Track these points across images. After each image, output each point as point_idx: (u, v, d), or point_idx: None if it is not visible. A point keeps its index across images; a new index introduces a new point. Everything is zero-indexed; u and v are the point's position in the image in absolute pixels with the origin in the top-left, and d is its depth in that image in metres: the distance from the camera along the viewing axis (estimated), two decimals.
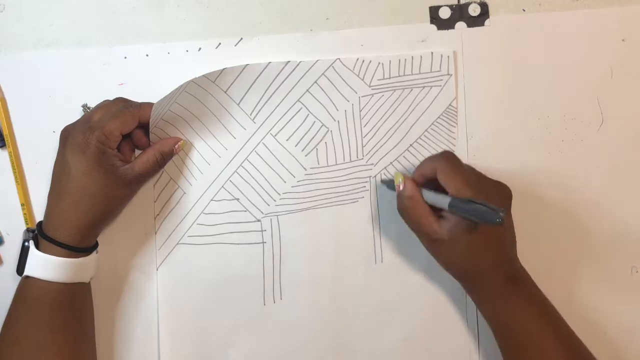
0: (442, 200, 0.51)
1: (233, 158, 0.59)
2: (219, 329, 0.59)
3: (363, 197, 0.59)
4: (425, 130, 0.59)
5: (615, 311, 0.60)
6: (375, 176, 0.59)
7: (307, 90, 0.58)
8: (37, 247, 0.53)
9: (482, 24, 0.60)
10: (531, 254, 0.59)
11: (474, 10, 0.60)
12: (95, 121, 0.54)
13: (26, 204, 0.60)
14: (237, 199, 0.59)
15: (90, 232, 0.54)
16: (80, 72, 0.60)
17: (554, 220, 0.60)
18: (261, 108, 0.58)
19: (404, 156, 0.59)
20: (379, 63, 0.59)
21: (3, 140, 0.60)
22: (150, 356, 0.59)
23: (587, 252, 0.60)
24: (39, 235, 0.53)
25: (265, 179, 0.59)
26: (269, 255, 0.59)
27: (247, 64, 0.57)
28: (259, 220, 0.59)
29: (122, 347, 0.59)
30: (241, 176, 0.59)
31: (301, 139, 0.59)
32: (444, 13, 0.60)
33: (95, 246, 0.56)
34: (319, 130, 0.59)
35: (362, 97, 0.59)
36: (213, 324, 0.59)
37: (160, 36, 0.60)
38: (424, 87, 0.59)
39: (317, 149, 0.59)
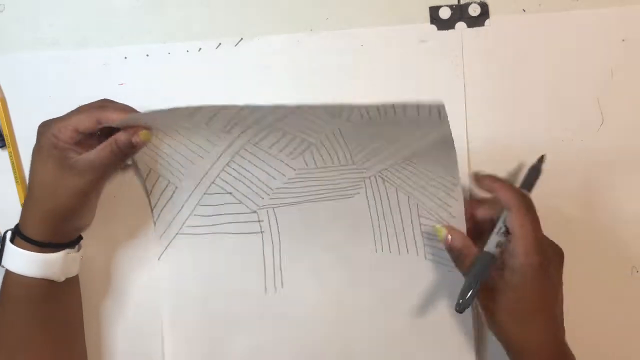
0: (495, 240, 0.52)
1: (217, 159, 0.57)
2: (222, 317, 0.60)
3: (359, 193, 0.59)
4: (420, 148, 0.54)
5: (615, 311, 0.60)
6: (370, 177, 0.58)
7: (272, 124, 0.53)
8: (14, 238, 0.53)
9: (482, 24, 0.60)
10: None
11: (474, 10, 0.60)
12: (61, 116, 0.54)
13: None
14: (230, 193, 0.59)
15: (52, 226, 0.53)
16: (80, 72, 0.60)
17: (554, 220, 0.60)
18: (233, 126, 0.54)
19: (394, 166, 0.56)
20: (352, 108, 0.50)
21: (3, 140, 0.60)
22: (153, 345, 0.59)
23: (587, 252, 0.59)
24: (15, 227, 0.54)
25: (255, 177, 0.58)
26: (269, 244, 0.59)
27: (200, 107, 0.50)
28: (254, 212, 0.59)
29: (125, 337, 0.60)
30: (229, 174, 0.58)
31: (284, 147, 0.56)
32: (444, 13, 0.60)
33: (71, 244, 0.55)
34: (300, 143, 0.55)
35: (340, 127, 0.53)
36: (216, 312, 0.60)
37: (160, 36, 0.60)
38: (411, 122, 0.50)
39: (303, 153, 0.57)
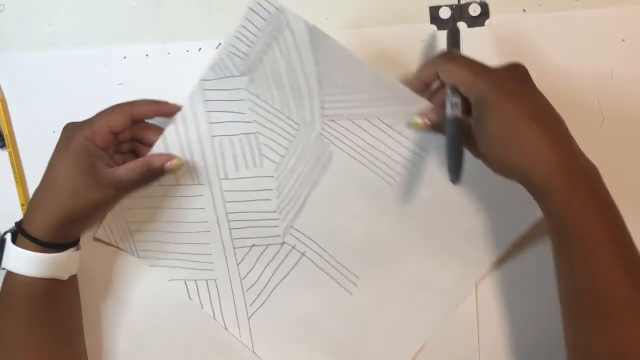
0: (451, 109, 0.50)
1: (217, 221, 0.58)
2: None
3: (332, 150, 0.58)
4: (316, 63, 0.55)
5: None
6: (323, 128, 0.57)
7: (208, 122, 0.56)
8: (16, 239, 0.53)
9: (482, 24, 0.60)
10: (532, 254, 0.59)
11: (474, 10, 0.60)
12: (90, 119, 0.54)
13: (26, 204, 0.60)
14: (252, 245, 0.59)
15: (62, 228, 0.53)
16: (80, 72, 0.60)
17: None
18: (193, 169, 0.57)
19: (327, 101, 0.56)
20: (228, 53, 0.55)
21: (3, 140, 0.60)
22: (153, 344, 0.60)
23: None
24: (17, 227, 0.54)
25: (255, 212, 0.58)
26: (318, 258, 0.59)
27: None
28: (283, 243, 0.59)
29: (125, 337, 0.60)
30: (237, 228, 0.59)
31: (245, 161, 0.58)
32: (444, 13, 0.60)
33: (73, 244, 0.55)
34: (248, 141, 0.57)
35: (247, 88, 0.56)
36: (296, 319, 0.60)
37: (160, 36, 0.60)
38: (276, 38, 0.55)
39: (262, 155, 0.58)
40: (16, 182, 0.60)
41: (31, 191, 0.59)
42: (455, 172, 0.48)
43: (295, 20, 0.54)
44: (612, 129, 0.60)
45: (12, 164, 0.60)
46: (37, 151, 0.59)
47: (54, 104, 0.60)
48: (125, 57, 0.60)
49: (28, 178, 0.60)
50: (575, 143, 0.49)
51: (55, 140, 0.56)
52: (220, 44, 0.60)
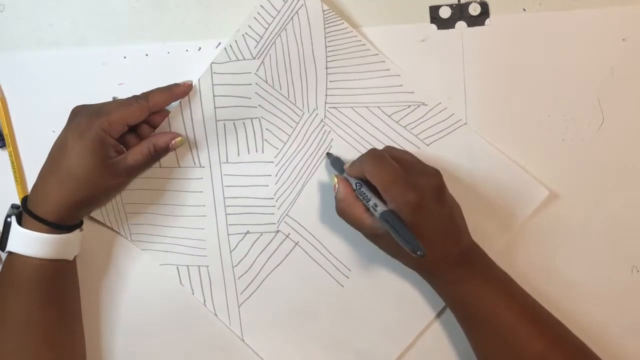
0: (374, 209, 0.51)
1: (215, 206, 0.59)
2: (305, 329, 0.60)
3: (332, 138, 0.59)
4: (326, 47, 0.58)
5: (615, 311, 0.60)
6: (324, 118, 0.58)
7: (214, 107, 0.57)
8: (21, 222, 0.53)
9: (483, 24, 0.60)
10: (531, 255, 0.59)
11: (474, 9, 0.60)
12: (105, 108, 0.54)
13: None
14: (247, 232, 0.59)
15: (72, 212, 0.54)
16: (79, 72, 0.60)
17: (554, 220, 0.60)
18: (197, 151, 0.58)
19: (332, 87, 0.58)
20: (244, 34, 0.57)
21: (3, 140, 0.60)
22: (153, 342, 0.60)
23: (587, 252, 0.59)
24: (22, 210, 0.54)
25: (253, 198, 0.59)
26: (311, 248, 0.59)
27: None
28: (277, 231, 0.59)
29: (124, 335, 0.60)
30: (233, 213, 0.59)
31: (247, 146, 0.59)
32: (444, 13, 0.60)
33: (79, 224, 0.56)
34: (252, 126, 0.58)
35: (256, 72, 0.57)
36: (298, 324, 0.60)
37: (160, 36, 0.60)
38: (290, 18, 0.57)
39: (264, 140, 0.59)
40: (16, 182, 0.60)
41: None
42: (416, 249, 0.48)
43: (312, 2, 0.56)
44: (612, 129, 0.59)
45: (12, 164, 0.60)
46: (37, 151, 0.59)
47: (54, 104, 0.60)
48: (125, 57, 0.60)
49: (28, 178, 0.60)
50: (467, 236, 0.55)
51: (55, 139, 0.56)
52: (220, 43, 0.60)
